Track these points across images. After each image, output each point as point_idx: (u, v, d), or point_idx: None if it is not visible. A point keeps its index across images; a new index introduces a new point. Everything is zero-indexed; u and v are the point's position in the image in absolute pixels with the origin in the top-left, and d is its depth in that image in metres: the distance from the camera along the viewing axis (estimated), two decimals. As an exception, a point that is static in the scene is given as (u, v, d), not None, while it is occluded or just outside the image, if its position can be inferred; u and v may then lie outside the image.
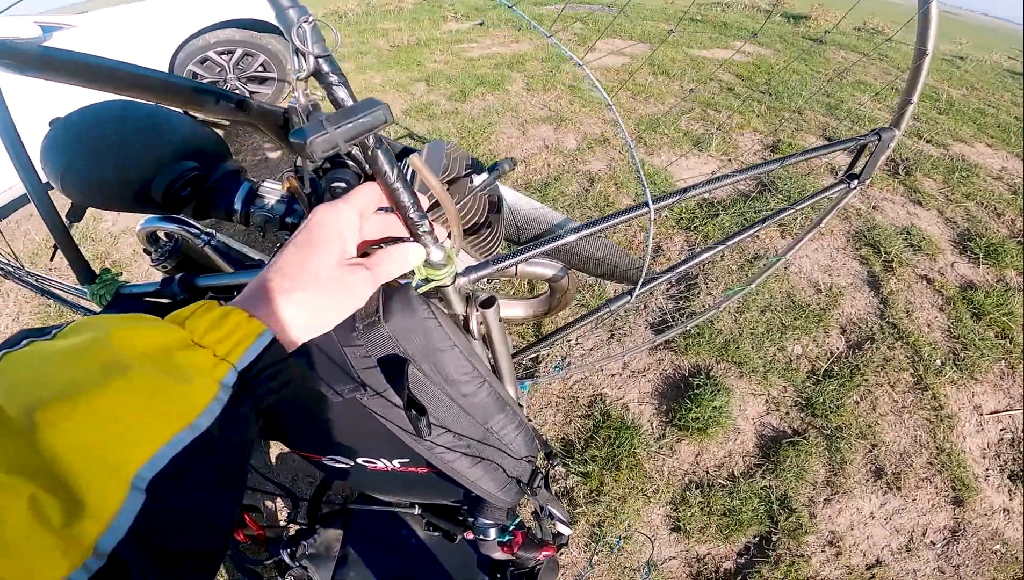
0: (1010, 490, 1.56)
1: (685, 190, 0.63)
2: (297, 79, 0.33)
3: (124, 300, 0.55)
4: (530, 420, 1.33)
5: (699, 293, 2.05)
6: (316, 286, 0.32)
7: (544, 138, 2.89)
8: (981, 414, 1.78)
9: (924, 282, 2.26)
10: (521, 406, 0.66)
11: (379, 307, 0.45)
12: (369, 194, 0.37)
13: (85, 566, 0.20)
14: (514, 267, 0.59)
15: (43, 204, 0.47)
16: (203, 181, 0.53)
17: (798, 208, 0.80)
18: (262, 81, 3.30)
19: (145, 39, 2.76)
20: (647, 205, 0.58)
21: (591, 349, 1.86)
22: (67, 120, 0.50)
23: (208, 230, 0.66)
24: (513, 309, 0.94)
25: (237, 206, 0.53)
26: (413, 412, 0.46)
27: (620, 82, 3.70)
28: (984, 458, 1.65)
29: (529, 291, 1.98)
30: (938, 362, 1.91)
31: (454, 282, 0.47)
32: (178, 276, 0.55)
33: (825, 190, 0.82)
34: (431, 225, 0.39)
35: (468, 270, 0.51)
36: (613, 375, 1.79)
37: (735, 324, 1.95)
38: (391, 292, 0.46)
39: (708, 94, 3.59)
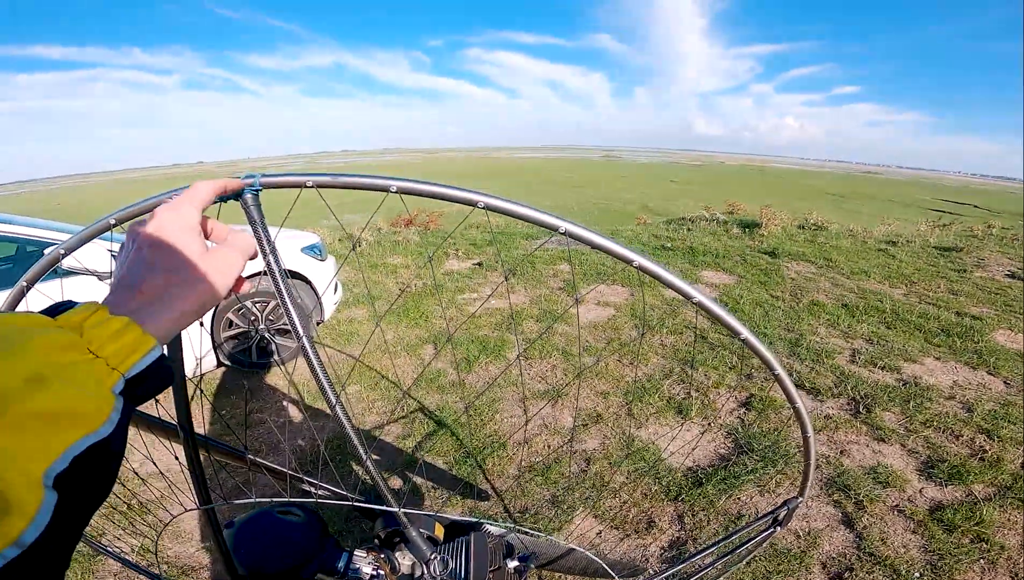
0: None
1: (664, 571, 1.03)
2: None
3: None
4: None
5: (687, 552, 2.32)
6: (186, 274, 0.37)
7: (543, 416, 3.36)
8: None
9: (896, 512, 2.53)
10: None
11: None
12: (206, 193, 0.43)
13: (2, 555, 0.23)
14: None
15: None
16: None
17: (732, 539, 1.19)
18: (287, 333, 3.65)
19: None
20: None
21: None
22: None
23: None
24: None
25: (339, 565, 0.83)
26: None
27: (607, 341, 4.36)
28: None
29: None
30: (916, 574, 2.16)
31: None
32: None
33: (754, 537, 1.22)
34: None
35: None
36: None
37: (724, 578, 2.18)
38: None
39: (685, 348, 4.21)
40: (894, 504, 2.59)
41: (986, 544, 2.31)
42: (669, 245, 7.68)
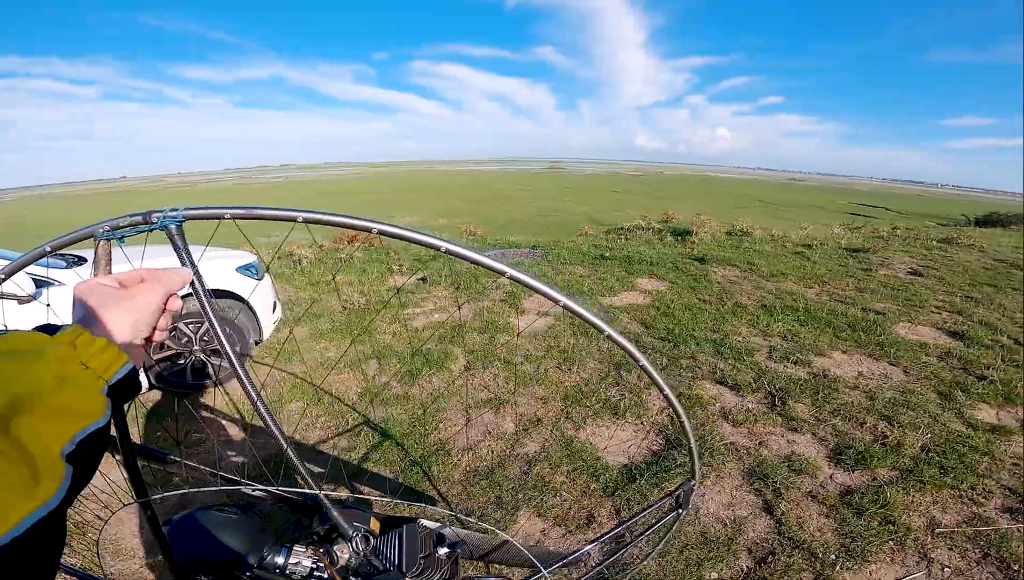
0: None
1: (569, 554, 1.15)
2: None
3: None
4: None
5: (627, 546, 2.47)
6: (124, 307, 0.50)
7: (486, 423, 3.46)
8: None
9: (810, 498, 2.74)
10: None
11: None
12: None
13: (34, 515, 0.33)
14: None
15: None
16: None
17: (634, 520, 1.33)
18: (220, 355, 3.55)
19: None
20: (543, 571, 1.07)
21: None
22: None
23: None
24: None
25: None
26: None
27: (547, 349, 4.53)
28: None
29: None
30: (832, 557, 2.34)
31: None
32: None
33: (662, 519, 1.37)
34: None
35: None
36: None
37: (660, 567, 2.30)
38: None
39: (620, 353, 4.43)
40: (808, 490, 2.80)
41: (894, 526, 2.50)
42: (607, 254, 8.01)
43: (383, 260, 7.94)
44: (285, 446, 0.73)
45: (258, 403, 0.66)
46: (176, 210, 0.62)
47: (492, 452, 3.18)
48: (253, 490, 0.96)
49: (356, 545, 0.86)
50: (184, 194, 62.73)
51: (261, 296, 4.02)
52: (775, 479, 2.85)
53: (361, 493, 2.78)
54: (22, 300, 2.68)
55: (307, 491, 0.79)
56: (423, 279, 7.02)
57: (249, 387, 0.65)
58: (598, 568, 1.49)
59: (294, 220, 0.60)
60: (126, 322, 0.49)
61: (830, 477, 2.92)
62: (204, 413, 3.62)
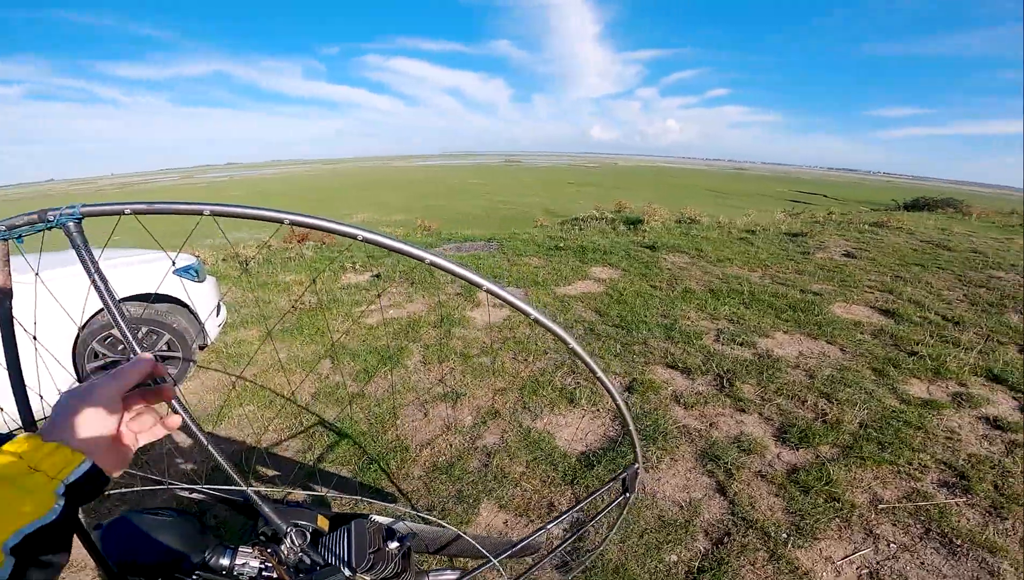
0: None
1: (519, 542, 1.16)
2: None
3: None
4: None
5: (588, 534, 2.52)
6: (75, 406, 0.52)
7: (444, 418, 3.45)
8: (834, 562, 2.27)
9: (760, 477, 2.85)
10: None
11: None
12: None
13: None
14: None
15: None
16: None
17: (580, 507, 1.36)
18: (165, 360, 3.45)
19: (49, 314, 2.71)
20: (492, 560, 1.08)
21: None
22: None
23: None
24: None
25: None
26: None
27: (503, 341, 4.54)
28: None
29: None
30: (784, 535, 2.42)
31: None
32: None
33: (611, 504, 1.40)
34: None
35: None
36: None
37: (621, 552, 2.35)
38: None
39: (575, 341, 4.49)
40: (758, 470, 2.88)
41: (839, 503, 2.60)
42: (562, 245, 8.09)
43: (335, 258, 7.77)
44: (205, 442, 0.71)
45: (174, 401, 0.64)
46: (74, 207, 0.59)
47: (451, 446, 3.16)
48: (180, 490, 0.92)
49: (291, 540, 0.84)
50: (115, 196, 59.29)
51: (203, 299, 3.85)
52: (726, 460, 2.94)
53: (314, 491, 2.72)
54: None
55: (234, 488, 0.77)
56: (377, 276, 6.92)
57: (168, 379, 0.63)
58: (552, 554, 1.51)
59: (200, 213, 0.57)
60: (78, 420, 0.51)
61: (777, 456, 3.03)
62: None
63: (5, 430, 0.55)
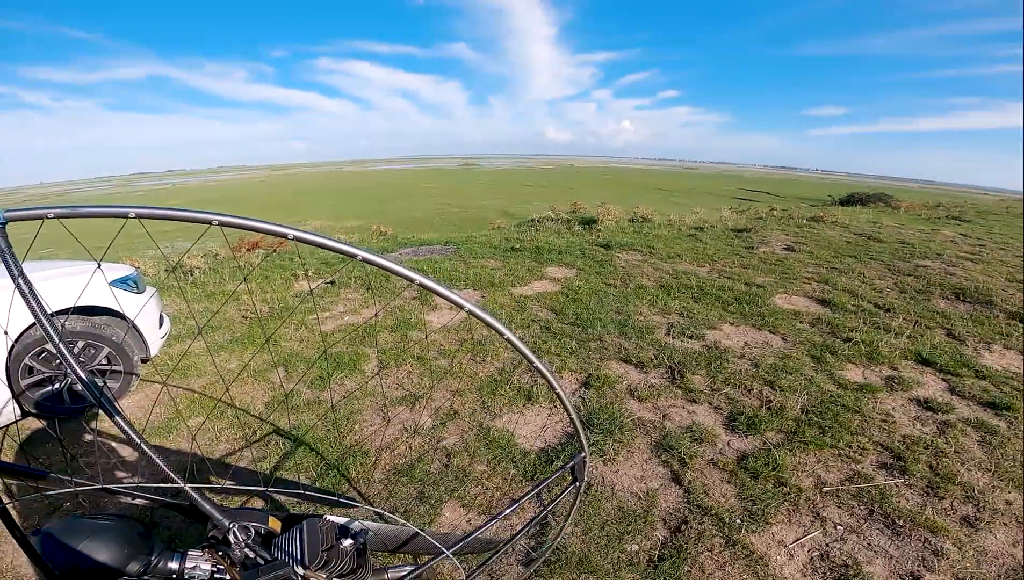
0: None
1: (469, 534, 1.19)
2: None
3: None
4: None
5: (551, 529, 2.57)
6: None
7: (403, 421, 3.42)
8: (786, 546, 2.37)
9: (712, 465, 2.95)
10: None
11: None
12: None
13: None
14: None
15: None
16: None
17: (527, 497, 1.39)
18: (104, 374, 3.32)
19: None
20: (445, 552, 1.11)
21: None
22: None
23: None
24: None
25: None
26: None
27: (460, 342, 4.55)
28: (805, 576, 2.21)
29: None
30: (738, 521, 2.51)
31: None
32: None
33: (560, 494, 1.44)
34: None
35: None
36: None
37: (583, 544, 2.40)
38: None
39: (532, 338, 4.55)
40: (710, 458, 2.97)
41: (786, 488, 2.69)
42: (518, 246, 8.16)
43: (287, 266, 7.56)
44: (138, 441, 0.70)
45: (102, 400, 0.64)
46: None
47: (411, 449, 3.15)
48: (116, 491, 0.91)
49: (235, 536, 0.84)
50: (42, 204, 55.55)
51: (145, 311, 3.69)
52: (680, 450, 3.03)
53: (252, 490, 2.66)
54: None
55: (170, 486, 0.76)
56: (331, 282, 6.77)
57: (87, 383, 0.62)
58: (507, 545, 1.55)
59: (125, 216, 0.57)
60: None
61: (727, 444, 3.14)
62: (88, 436, 3.28)
63: None
